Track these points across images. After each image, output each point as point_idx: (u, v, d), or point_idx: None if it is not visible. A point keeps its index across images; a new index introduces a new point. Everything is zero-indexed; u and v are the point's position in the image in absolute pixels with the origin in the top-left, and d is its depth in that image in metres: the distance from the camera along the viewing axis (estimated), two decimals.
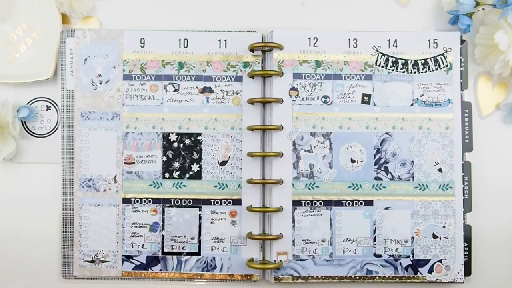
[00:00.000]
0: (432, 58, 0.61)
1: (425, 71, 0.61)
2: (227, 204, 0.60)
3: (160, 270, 0.60)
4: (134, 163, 0.61)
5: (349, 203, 0.60)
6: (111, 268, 0.60)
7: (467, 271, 0.61)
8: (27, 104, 0.62)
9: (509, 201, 0.62)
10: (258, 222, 0.60)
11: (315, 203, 0.60)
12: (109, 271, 0.60)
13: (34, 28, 0.61)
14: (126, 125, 0.61)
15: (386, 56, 0.61)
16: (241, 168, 0.60)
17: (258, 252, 0.60)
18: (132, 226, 0.60)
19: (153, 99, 0.61)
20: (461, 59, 0.62)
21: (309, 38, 0.61)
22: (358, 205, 0.60)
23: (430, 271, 0.60)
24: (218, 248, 0.60)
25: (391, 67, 0.61)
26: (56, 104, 0.62)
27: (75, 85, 0.61)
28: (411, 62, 0.61)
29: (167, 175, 0.61)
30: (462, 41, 0.62)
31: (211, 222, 0.60)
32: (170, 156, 0.61)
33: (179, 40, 0.61)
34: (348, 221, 0.60)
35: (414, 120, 0.61)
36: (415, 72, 0.61)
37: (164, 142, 0.61)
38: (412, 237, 0.60)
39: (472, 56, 0.62)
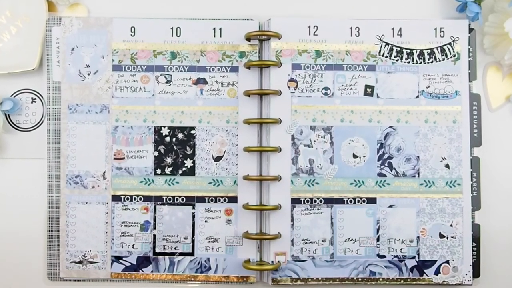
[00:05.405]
0: (439, 48, 0.60)
1: (431, 62, 0.60)
2: (222, 202, 0.59)
3: (152, 271, 0.59)
4: (124, 158, 0.59)
5: (351, 201, 0.59)
6: (100, 269, 0.59)
7: (476, 273, 0.60)
8: (11, 96, 0.61)
9: None
10: (255, 221, 0.59)
11: (315, 201, 0.59)
12: (97, 272, 0.59)
13: (18, 16, 0.60)
14: (115, 118, 0.60)
15: (390, 45, 0.60)
16: (237, 164, 0.59)
17: (255, 252, 0.59)
18: (122, 225, 0.59)
19: (144, 91, 0.60)
20: (469, 49, 0.61)
21: (309, 27, 0.60)
22: (361, 203, 0.59)
23: (437, 272, 0.59)
24: (212, 248, 0.59)
25: (395, 57, 0.60)
26: (42, 96, 0.61)
27: (62, 76, 0.60)
28: (416, 52, 0.60)
29: (158, 171, 0.59)
30: (471, 30, 0.61)
31: (205, 221, 0.59)
32: (162, 151, 0.59)
33: (172, 28, 0.60)
34: (350, 219, 0.59)
35: (420, 113, 0.60)
36: (420, 63, 0.60)
37: (156, 137, 0.60)
38: (418, 237, 0.59)
39: (481, 45, 0.61)
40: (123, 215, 0.59)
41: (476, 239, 0.60)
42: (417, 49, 0.60)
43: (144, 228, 0.59)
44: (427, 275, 0.59)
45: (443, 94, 0.60)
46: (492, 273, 0.60)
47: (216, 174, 0.59)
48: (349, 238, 0.59)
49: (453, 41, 0.60)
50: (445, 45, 0.60)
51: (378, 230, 0.59)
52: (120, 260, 0.59)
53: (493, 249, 0.61)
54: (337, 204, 0.59)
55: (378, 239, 0.59)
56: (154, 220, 0.59)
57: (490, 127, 0.61)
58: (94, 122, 0.59)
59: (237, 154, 0.59)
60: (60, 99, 0.59)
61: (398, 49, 0.60)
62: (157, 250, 0.59)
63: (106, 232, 0.59)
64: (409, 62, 0.60)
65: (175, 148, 0.59)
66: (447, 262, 0.59)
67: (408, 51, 0.60)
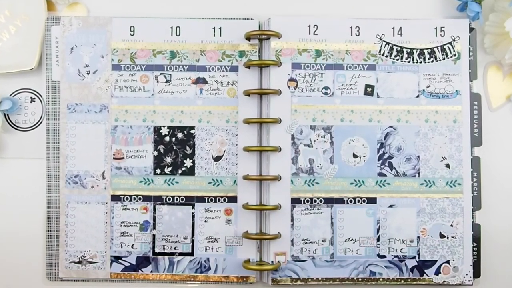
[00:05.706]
0: (439, 47, 0.60)
1: (432, 61, 0.60)
2: (222, 202, 0.59)
3: (151, 271, 0.59)
4: (123, 158, 0.59)
5: (351, 201, 0.59)
6: (99, 269, 0.59)
7: (476, 273, 0.60)
8: (10, 95, 0.61)
9: None
10: (254, 221, 0.59)
11: (315, 201, 0.59)
12: (96, 272, 0.59)
13: (17, 15, 0.60)
14: (115, 118, 0.59)
15: (390, 45, 0.60)
16: (236, 164, 0.59)
17: (255, 252, 0.59)
18: (121, 225, 0.59)
19: (143, 90, 0.59)
20: (469, 48, 0.60)
21: (309, 26, 0.59)
22: (361, 203, 0.59)
23: (437, 272, 0.59)
24: (212, 248, 0.59)
25: (395, 56, 0.60)
26: (41, 96, 0.61)
27: (61, 75, 0.59)
28: (417, 51, 0.60)
29: (158, 171, 0.59)
30: (471, 29, 0.61)
31: (205, 221, 0.59)
32: (162, 150, 0.59)
33: (171, 28, 0.60)
34: (350, 219, 0.59)
35: (420, 113, 0.59)
36: (421, 62, 0.60)
37: (155, 136, 0.59)
38: (418, 237, 0.59)
39: (481, 45, 0.61)
40: (123, 215, 0.59)
41: (476, 239, 0.59)
42: (417, 49, 0.59)
43: (143, 228, 0.59)
44: (428, 275, 0.59)
45: (444, 94, 0.59)
46: (493, 273, 0.60)
47: (215, 174, 0.59)
48: (349, 238, 0.59)
49: (454, 40, 0.60)
50: (445, 44, 0.60)
51: (378, 230, 0.59)
52: (120, 260, 0.59)
53: (494, 249, 0.60)
54: (337, 204, 0.59)
55: (378, 239, 0.59)
56: (154, 220, 0.59)
57: (490, 127, 0.61)
58: (94, 121, 0.59)
59: (237, 154, 0.59)
60: (59, 99, 0.59)
61: (398, 48, 0.59)
62: (156, 250, 0.59)
63: (106, 232, 0.59)
64: (409, 62, 0.59)
65: (174, 148, 0.59)
66: (448, 262, 0.59)
67: (409, 50, 0.59)
